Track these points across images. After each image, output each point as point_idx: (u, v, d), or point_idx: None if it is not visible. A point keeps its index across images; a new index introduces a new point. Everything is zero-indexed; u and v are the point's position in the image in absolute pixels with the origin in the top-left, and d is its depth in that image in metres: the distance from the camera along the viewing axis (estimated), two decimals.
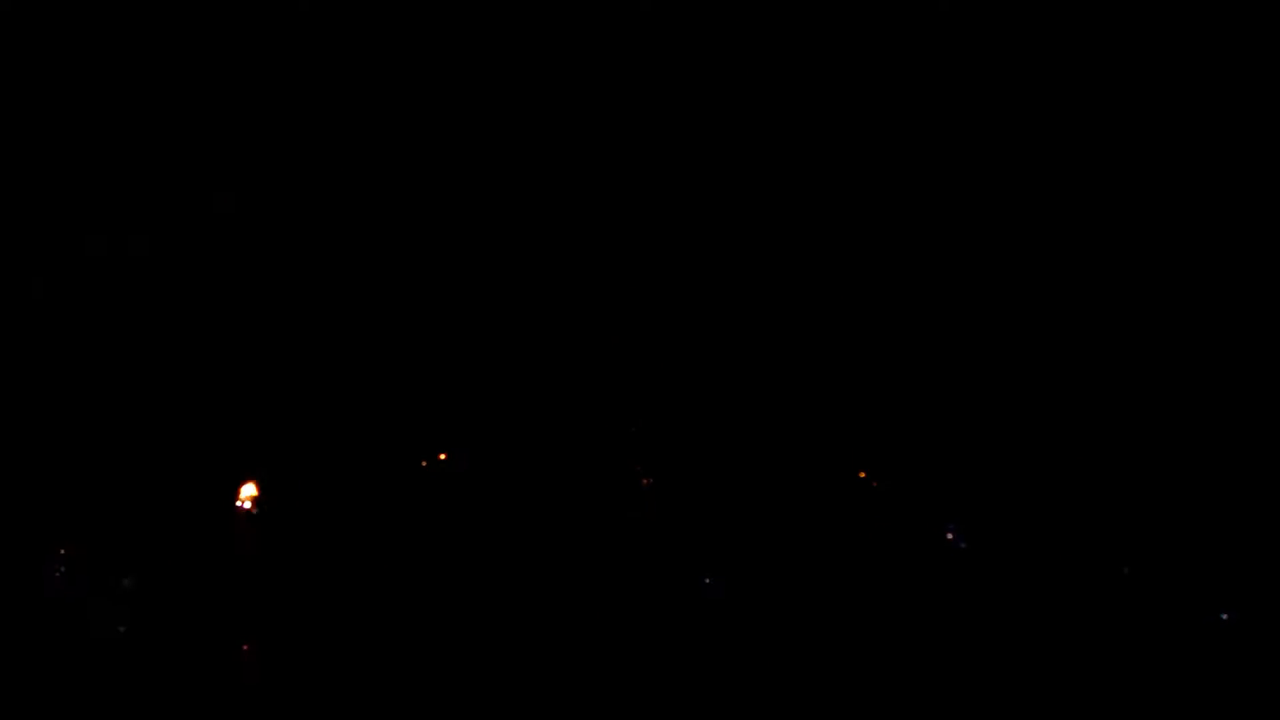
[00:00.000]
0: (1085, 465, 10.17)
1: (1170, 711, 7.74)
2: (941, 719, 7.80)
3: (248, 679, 8.28)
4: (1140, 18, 10.28)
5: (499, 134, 11.81)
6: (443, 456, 11.37)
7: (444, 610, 8.83)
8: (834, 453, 10.92)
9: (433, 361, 12.23)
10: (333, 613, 8.92)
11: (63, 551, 9.80)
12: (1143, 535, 9.62)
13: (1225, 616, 8.65)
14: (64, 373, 10.66)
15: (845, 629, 8.29)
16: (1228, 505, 9.36)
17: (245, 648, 8.52)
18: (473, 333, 12.37)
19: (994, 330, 11.13)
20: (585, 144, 11.87)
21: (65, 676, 7.80)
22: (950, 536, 9.86)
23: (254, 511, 10.78)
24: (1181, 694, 7.81)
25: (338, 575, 9.18)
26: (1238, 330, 10.33)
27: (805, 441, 11.05)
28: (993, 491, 10.16)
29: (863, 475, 10.98)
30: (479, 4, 11.13)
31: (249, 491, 10.79)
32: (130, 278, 11.42)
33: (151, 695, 7.87)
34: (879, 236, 11.49)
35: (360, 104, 11.38)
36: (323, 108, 11.34)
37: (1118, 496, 9.83)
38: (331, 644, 8.59)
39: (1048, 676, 8.02)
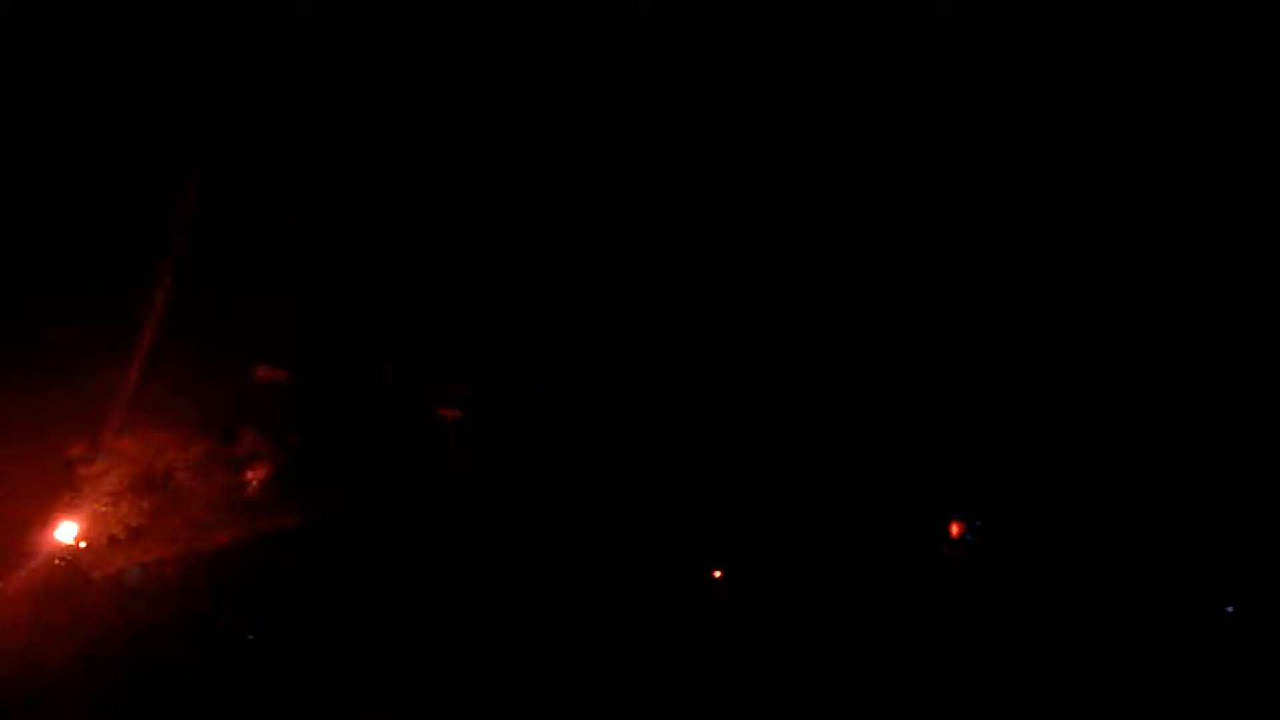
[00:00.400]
0: (1088, 462, 10.12)
1: (1174, 703, 7.70)
2: (948, 710, 7.75)
3: (248, 673, 8.22)
4: (1139, 18, 10.29)
5: (498, 134, 11.75)
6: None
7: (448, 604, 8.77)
8: (841, 448, 10.85)
9: (435, 358, 12.12)
10: (334, 607, 8.86)
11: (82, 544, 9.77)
12: (1145, 530, 9.56)
13: (1230, 609, 8.61)
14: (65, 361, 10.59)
15: (851, 621, 8.24)
16: (1228, 502, 9.32)
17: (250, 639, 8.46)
18: (479, 331, 12.27)
19: (997, 329, 11.09)
20: (586, 144, 11.82)
21: (67, 669, 7.75)
22: (957, 529, 9.81)
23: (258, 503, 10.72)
24: (1186, 684, 7.77)
25: (338, 569, 9.12)
26: (1238, 330, 10.30)
27: (813, 438, 10.98)
28: (998, 487, 10.10)
29: (869, 471, 10.89)
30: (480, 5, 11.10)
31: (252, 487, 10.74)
32: (130, 277, 11.35)
33: (151, 690, 7.82)
34: (881, 236, 11.45)
35: (359, 104, 11.33)
36: (321, 107, 11.29)
37: (1119, 493, 9.77)
38: (332, 638, 8.53)
39: (1052, 668, 7.97)
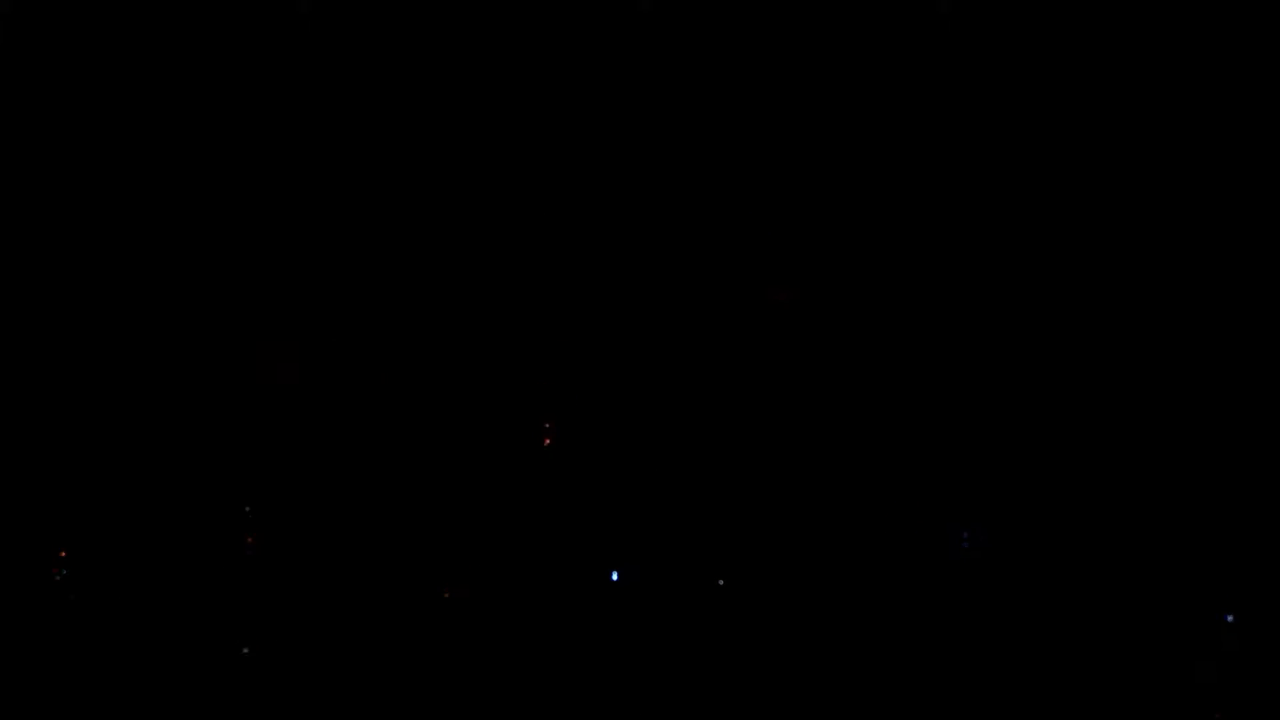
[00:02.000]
0: (1090, 464, 10.15)
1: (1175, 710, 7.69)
2: (947, 710, 7.75)
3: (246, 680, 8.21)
4: (1140, 18, 10.32)
5: (495, 135, 11.86)
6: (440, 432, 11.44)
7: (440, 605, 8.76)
8: (838, 449, 10.89)
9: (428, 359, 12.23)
10: (331, 611, 8.86)
11: (63, 554, 9.74)
12: (1148, 534, 9.59)
13: (1230, 618, 8.58)
14: (63, 372, 10.68)
15: (848, 630, 8.22)
16: (1230, 505, 9.33)
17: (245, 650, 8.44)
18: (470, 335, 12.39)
19: (999, 329, 11.13)
20: (581, 146, 11.92)
21: (63, 675, 7.75)
22: (966, 535, 9.78)
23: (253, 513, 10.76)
24: (1187, 693, 7.76)
25: (335, 572, 9.12)
26: (1238, 331, 10.32)
27: (808, 439, 11.03)
28: (999, 491, 10.13)
29: (867, 469, 10.98)
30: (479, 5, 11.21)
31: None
32: (130, 278, 11.47)
33: (148, 695, 7.81)
34: (879, 236, 11.51)
35: (357, 105, 11.44)
36: (320, 108, 11.40)
37: (1122, 495, 9.80)
38: (331, 643, 8.52)
39: (1055, 675, 7.96)
